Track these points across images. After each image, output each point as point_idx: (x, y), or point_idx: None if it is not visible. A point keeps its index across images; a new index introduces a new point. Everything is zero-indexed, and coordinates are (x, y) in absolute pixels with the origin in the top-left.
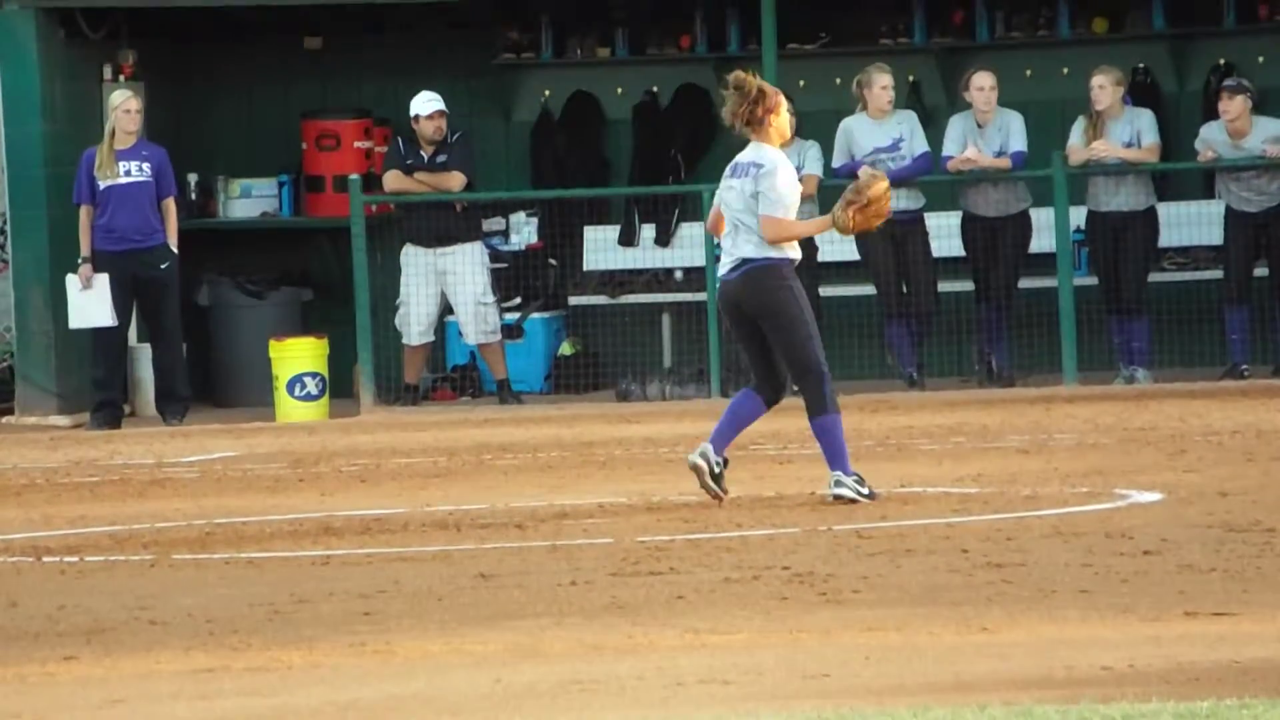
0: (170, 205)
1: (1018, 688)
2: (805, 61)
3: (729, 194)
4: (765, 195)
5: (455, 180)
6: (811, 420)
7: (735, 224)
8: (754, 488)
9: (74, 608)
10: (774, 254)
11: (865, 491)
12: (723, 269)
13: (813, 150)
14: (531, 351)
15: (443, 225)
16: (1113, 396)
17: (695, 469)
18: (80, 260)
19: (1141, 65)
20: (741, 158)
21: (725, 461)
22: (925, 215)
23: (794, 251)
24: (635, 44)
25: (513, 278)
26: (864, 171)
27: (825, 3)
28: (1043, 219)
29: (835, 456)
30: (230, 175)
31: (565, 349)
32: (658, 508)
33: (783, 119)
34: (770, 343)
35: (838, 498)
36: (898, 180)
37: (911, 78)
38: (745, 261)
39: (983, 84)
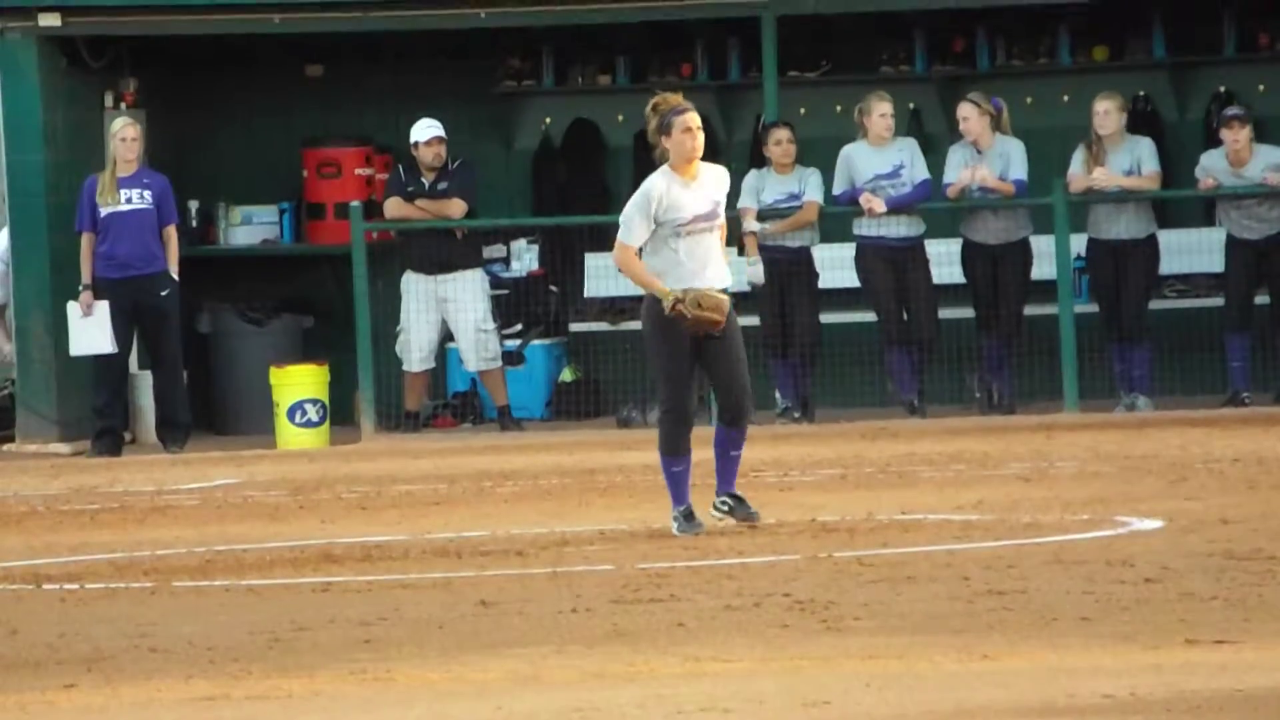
0: (171, 233)
1: (1019, 715)
2: (806, 89)
3: None
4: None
5: (456, 207)
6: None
7: None
8: None
9: (74, 635)
10: None
11: (675, 520)
12: None
13: (814, 177)
14: (532, 378)
15: (443, 252)
16: (1114, 424)
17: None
18: (81, 287)
19: (1142, 93)
20: None
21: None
22: (925, 242)
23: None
24: (636, 72)
25: (513, 304)
26: (720, 301)
27: (826, 31)
28: (1043, 246)
29: (670, 490)
30: (231, 202)
31: (566, 376)
32: (658, 535)
33: (674, 140)
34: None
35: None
36: (898, 207)
37: (912, 105)
38: None
39: (965, 114)
